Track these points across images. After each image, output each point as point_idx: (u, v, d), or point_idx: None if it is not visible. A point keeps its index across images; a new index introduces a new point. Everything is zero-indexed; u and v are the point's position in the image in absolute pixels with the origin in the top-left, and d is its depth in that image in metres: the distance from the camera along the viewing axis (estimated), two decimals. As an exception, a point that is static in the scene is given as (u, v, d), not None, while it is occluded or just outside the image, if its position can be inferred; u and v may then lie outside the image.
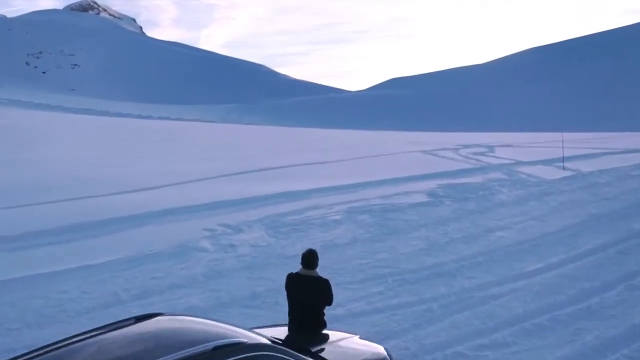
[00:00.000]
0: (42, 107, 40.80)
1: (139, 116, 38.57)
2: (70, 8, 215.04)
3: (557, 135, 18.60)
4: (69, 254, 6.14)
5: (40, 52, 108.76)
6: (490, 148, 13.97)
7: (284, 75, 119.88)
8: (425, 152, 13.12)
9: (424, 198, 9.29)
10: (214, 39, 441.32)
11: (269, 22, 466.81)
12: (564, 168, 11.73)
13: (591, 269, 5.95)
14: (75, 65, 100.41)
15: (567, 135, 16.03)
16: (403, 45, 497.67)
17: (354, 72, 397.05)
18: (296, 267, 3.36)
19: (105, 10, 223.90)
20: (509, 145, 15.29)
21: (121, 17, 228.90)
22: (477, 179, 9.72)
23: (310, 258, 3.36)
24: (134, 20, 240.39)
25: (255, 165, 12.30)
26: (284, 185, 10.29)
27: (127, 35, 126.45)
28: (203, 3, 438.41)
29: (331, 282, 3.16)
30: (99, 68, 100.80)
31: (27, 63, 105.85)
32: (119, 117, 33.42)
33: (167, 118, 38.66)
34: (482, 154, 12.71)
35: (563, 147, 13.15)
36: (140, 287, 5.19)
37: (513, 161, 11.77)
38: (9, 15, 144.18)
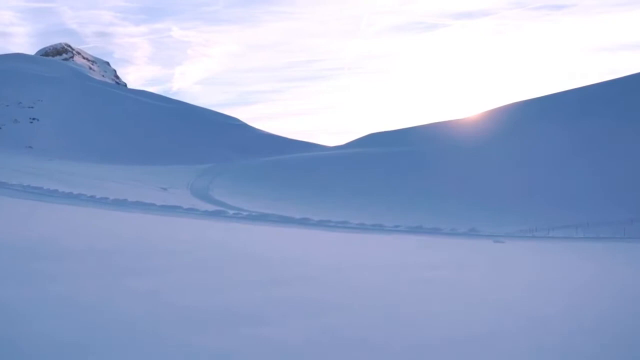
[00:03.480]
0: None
1: (92, 198, 33.37)
2: (45, 51, 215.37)
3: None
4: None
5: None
6: None
7: (259, 130, 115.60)
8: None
9: None
10: (188, 76, 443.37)
11: (243, 59, 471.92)
12: None
13: None
14: (33, 119, 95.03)
15: None
16: (378, 82, 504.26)
17: (329, 109, 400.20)
18: None
19: (79, 53, 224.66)
20: None
21: (95, 61, 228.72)
22: None
23: None
24: (107, 63, 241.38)
25: None
26: None
27: (92, 85, 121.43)
28: (177, 40, 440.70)
29: None
30: (60, 122, 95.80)
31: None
32: (67, 203, 27.99)
33: (124, 201, 33.18)
34: None
35: None
36: None
37: None
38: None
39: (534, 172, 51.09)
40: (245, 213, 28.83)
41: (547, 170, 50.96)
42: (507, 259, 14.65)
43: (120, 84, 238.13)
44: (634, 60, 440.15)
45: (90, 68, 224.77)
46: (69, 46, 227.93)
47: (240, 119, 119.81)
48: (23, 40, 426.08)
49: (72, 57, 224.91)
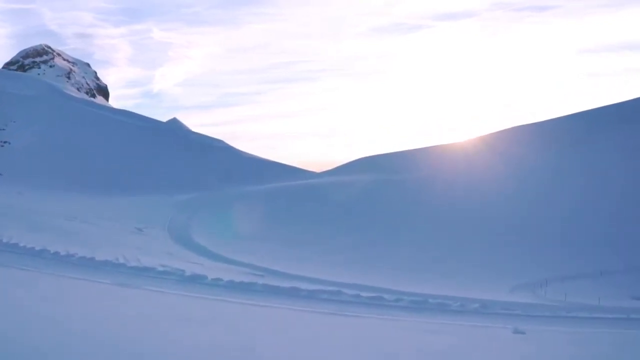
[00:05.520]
0: None
1: (56, 256, 30.53)
2: (26, 53, 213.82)
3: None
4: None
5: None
6: None
7: (243, 153, 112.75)
8: None
9: None
10: (169, 78, 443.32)
11: (225, 61, 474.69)
12: None
13: None
14: (5, 142, 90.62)
15: None
16: (364, 84, 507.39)
17: (313, 111, 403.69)
18: None
19: (59, 55, 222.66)
20: None
21: (75, 62, 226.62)
22: None
23: None
24: (88, 65, 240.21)
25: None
26: None
27: (69, 103, 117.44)
28: (158, 42, 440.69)
29: None
30: (33, 145, 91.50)
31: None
32: (23, 267, 24.91)
33: (91, 260, 30.33)
34: None
35: None
36: None
37: None
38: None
39: (538, 207, 48.78)
40: (226, 279, 26.22)
41: (554, 205, 48.65)
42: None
43: (101, 86, 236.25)
44: (618, 62, 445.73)
45: (71, 70, 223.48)
46: (50, 47, 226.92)
47: (225, 140, 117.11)
48: (3, 42, 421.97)
49: (53, 58, 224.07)
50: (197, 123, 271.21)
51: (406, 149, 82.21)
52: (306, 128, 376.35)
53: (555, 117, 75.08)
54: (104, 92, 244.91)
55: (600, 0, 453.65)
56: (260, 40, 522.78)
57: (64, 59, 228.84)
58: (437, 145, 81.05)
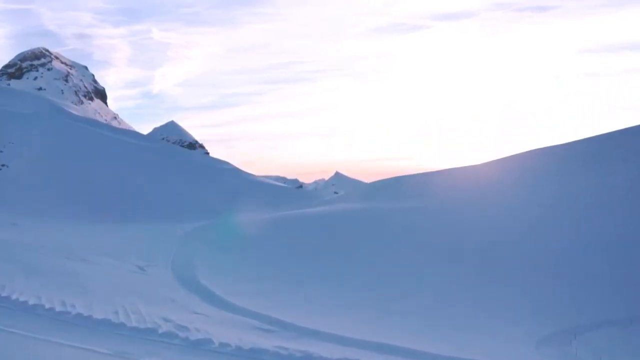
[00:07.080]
0: None
1: (51, 312, 29.36)
2: (23, 56, 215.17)
3: None
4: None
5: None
6: None
7: (250, 175, 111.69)
8: None
9: None
10: (168, 78, 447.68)
11: (224, 61, 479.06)
12: None
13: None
14: (3, 165, 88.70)
15: None
16: (362, 84, 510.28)
17: (313, 111, 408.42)
18: None
19: (57, 58, 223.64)
20: None
21: (73, 65, 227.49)
22: None
23: None
24: (86, 68, 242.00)
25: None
26: None
27: (69, 123, 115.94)
28: (157, 42, 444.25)
29: None
30: (32, 168, 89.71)
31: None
32: (12, 329, 23.53)
33: (88, 318, 28.82)
34: None
35: None
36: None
37: None
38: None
39: (554, 244, 46.91)
40: (234, 344, 24.87)
41: (568, 241, 46.71)
42: None
43: (99, 89, 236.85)
44: (617, 62, 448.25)
45: (69, 72, 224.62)
46: (47, 50, 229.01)
47: (231, 162, 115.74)
48: (1, 42, 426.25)
49: (51, 61, 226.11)
50: (197, 124, 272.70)
51: (422, 171, 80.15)
52: (306, 128, 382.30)
53: (576, 139, 73.28)
54: (101, 94, 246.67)
55: (600, 1, 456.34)
56: (260, 40, 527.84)
57: (62, 62, 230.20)
58: (455, 168, 79.37)
